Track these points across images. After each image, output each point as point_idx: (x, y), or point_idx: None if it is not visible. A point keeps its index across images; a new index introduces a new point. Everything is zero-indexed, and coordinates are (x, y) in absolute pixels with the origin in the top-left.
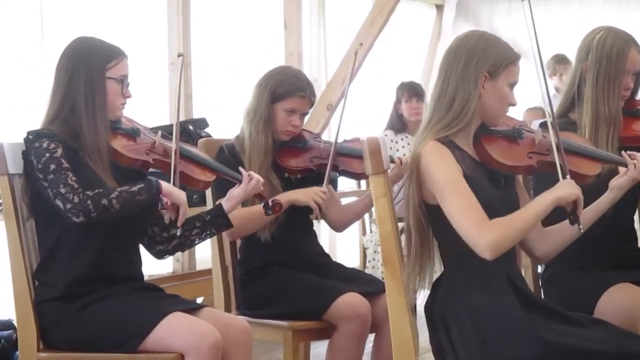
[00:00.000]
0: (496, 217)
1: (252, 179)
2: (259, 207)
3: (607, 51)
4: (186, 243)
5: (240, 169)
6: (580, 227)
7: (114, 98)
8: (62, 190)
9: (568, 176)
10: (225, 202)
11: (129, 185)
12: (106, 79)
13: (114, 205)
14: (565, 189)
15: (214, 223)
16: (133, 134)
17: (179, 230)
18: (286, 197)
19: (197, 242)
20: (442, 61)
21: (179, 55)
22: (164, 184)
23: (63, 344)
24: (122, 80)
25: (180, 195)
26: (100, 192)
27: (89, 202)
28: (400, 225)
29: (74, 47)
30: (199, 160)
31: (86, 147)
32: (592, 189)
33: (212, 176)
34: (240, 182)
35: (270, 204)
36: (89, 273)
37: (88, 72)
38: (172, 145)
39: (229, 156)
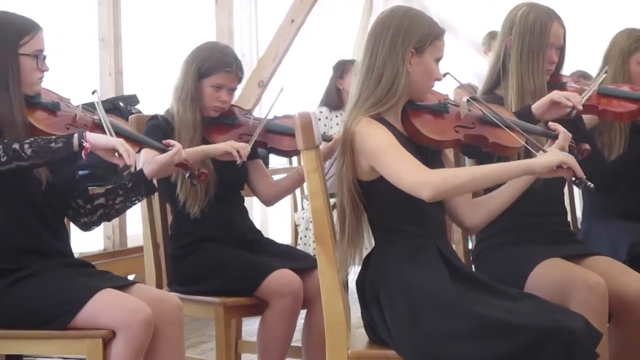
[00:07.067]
0: None
1: (174, 146)
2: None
3: (530, 26)
4: (111, 212)
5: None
6: (590, 184)
7: (29, 74)
8: None
9: (547, 147)
10: (146, 167)
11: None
12: (20, 56)
13: (25, 149)
14: (544, 157)
15: (136, 189)
16: (53, 108)
17: (102, 199)
18: (198, 150)
19: (123, 210)
20: (368, 37)
21: (93, 92)
22: (90, 133)
23: None
24: (37, 55)
25: (109, 139)
26: (15, 138)
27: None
28: (332, 201)
29: None
30: (120, 132)
31: (3, 124)
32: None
33: (135, 148)
34: (164, 151)
35: (196, 173)
36: (17, 247)
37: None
38: (95, 118)
39: (162, 121)
